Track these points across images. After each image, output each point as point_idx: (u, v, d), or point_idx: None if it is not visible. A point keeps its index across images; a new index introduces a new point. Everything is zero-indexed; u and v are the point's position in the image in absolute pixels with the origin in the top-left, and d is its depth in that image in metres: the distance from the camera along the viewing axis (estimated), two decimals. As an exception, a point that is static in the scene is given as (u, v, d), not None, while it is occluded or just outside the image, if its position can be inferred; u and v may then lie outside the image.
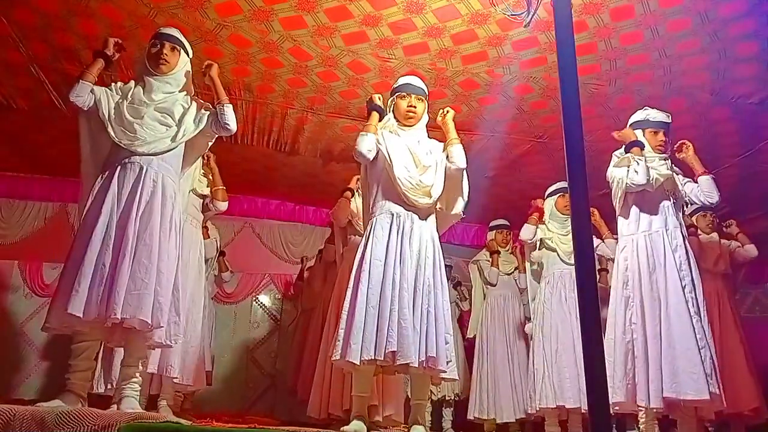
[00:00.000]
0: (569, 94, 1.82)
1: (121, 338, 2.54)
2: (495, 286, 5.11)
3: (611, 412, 3.12)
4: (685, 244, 3.15)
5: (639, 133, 3.31)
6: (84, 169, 2.73)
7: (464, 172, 2.96)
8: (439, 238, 2.91)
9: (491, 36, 3.62)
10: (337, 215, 3.96)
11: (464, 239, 7.01)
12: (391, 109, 3.03)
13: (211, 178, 3.96)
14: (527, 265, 4.68)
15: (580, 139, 1.78)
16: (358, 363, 2.51)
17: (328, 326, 3.63)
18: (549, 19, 3.36)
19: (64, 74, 4.01)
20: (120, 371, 2.60)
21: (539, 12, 3.13)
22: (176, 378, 3.43)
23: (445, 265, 2.92)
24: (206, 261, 4.24)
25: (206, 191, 3.93)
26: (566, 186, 1.81)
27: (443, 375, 2.65)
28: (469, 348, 5.48)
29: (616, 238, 3.49)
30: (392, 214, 2.80)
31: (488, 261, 5.17)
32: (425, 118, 3.04)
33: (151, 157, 2.61)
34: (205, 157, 3.85)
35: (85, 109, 2.65)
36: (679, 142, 3.38)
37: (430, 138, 3.04)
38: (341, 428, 2.58)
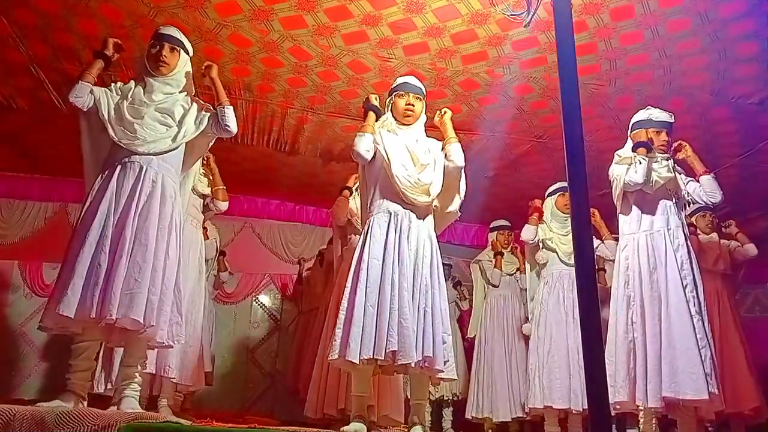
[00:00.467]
0: (569, 94, 1.82)
1: (120, 338, 2.54)
2: (497, 287, 5.11)
3: (612, 411, 3.14)
4: (687, 243, 3.15)
5: (642, 133, 3.31)
6: (86, 170, 2.73)
7: (462, 170, 2.96)
8: (438, 238, 2.91)
9: (491, 36, 3.63)
10: (336, 214, 3.96)
11: (464, 239, 7.01)
12: (389, 108, 3.03)
13: (211, 178, 3.96)
14: (527, 265, 4.69)
15: (580, 139, 1.78)
16: (358, 362, 2.51)
17: (327, 326, 3.63)
18: (549, 19, 3.36)
19: (64, 74, 4.01)
20: (119, 371, 2.60)
21: (539, 12, 3.13)
22: (174, 378, 3.43)
23: (445, 264, 2.91)
24: (206, 261, 4.24)
25: (206, 190, 3.94)
26: (566, 185, 1.81)
27: (441, 375, 2.65)
28: (469, 348, 5.48)
29: (616, 239, 3.49)
30: (390, 213, 2.80)
31: (491, 261, 5.16)
32: (423, 117, 3.05)
33: (151, 156, 2.61)
34: (205, 158, 3.85)
35: (85, 109, 2.65)
36: (677, 143, 3.38)
37: (429, 137, 3.04)
38: (341, 428, 2.58)
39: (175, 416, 2.64)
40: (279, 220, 6.70)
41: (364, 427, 2.62)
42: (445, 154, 2.94)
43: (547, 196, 4.52)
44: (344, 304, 2.66)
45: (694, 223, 4.57)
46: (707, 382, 2.81)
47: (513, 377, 4.78)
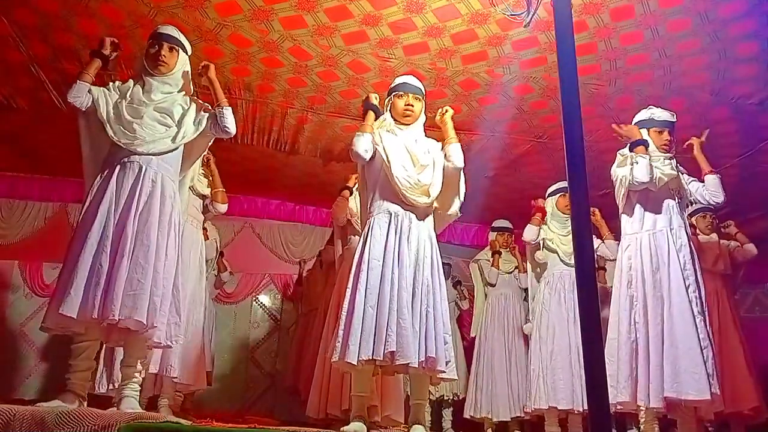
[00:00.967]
0: (569, 94, 1.82)
1: (120, 338, 2.54)
2: (494, 286, 5.11)
3: (613, 411, 3.14)
4: (689, 243, 3.14)
5: (644, 132, 3.30)
6: (85, 170, 2.73)
7: (462, 171, 2.96)
8: (438, 237, 2.91)
9: (491, 36, 3.62)
10: (335, 214, 3.96)
11: (464, 239, 7.01)
12: (389, 108, 3.02)
13: (210, 179, 3.96)
14: (528, 265, 4.68)
15: (580, 139, 1.78)
16: (356, 363, 2.51)
17: (328, 326, 3.63)
18: (549, 19, 3.36)
19: (64, 74, 4.00)
20: (120, 371, 2.60)
21: (539, 12, 3.12)
22: (176, 378, 3.43)
23: (445, 264, 2.91)
24: (206, 262, 4.24)
25: (206, 191, 3.93)
26: (567, 185, 1.81)
27: (442, 375, 2.65)
28: (469, 347, 5.48)
29: (616, 238, 3.49)
30: (390, 214, 2.79)
31: (488, 261, 5.17)
32: (423, 117, 3.03)
33: (151, 156, 2.61)
34: (205, 159, 3.85)
35: (83, 109, 2.64)
36: (687, 143, 3.37)
37: (428, 137, 3.03)
38: (341, 428, 2.58)
39: (175, 416, 2.64)
40: (279, 220, 6.70)
41: (365, 427, 2.62)
42: (445, 155, 2.94)
43: (548, 197, 4.52)
44: (345, 305, 2.67)
45: (694, 223, 4.56)
46: (709, 382, 2.80)
47: (513, 376, 4.78)
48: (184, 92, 2.82)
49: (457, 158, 2.91)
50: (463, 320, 6.01)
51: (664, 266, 3.06)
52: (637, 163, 3.14)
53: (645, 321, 3.03)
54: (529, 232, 4.42)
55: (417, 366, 2.55)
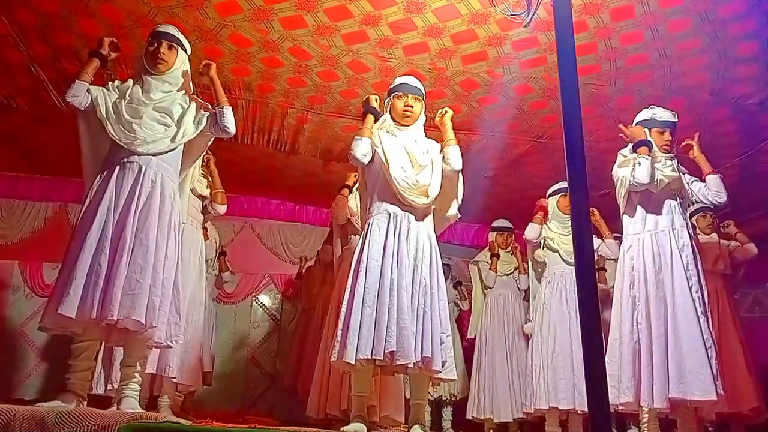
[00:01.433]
0: (569, 94, 1.82)
1: (119, 338, 2.53)
2: (491, 288, 5.11)
3: (614, 411, 3.13)
4: (691, 243, 3.14)
5: (645, 132, 3.30)
6: (85, 170, 2.73)
7: (460, 174, 2.96)
8: (437, 238, 2.91)
9: (491, 36, 3.62)
10: (335, 212, 3.96)
11: (464, 239, 7.01)
12: (388, 109, 3.02)
13: (210, 179, 3.96)
14: (529, 264, 4.68)
15: (580, 139, 1.79)
16: (354, 363, 2.51)
17: (327, 326, 3.63)
18: (549, 19, 3.36)
19: (65, 74, 4.00)
20: (120, 371, 2.60)
21: (539, 12, 3.12)
22: (175, 378, 3.43)
23: (445, 265, 2.91)
24: (206, 262, 4.24)
25: (205, 191, 3.93)
26: (567, 185, 1.82)
27: (439, 375, 2.65)
28: (468, 348, 5.48)
29: (617, 238, 3.49)
30: (389, 215, 2.79)
31: (487, 263, 5.17)
32: (422, 118, 3.03)
33: (150, 156, 2.61)
34: (205, 159, 3.85)
35: (82, 108, 2.64)
36: (684, 143, 3.37)
37: (428, 138, 3.03)
38: (341, 428, 2.58)
39: (175, 416, 2.64)
40: (279, 220, 6.69)
41: (364, 427, 2.62)
42: (443, 157, 2.94)
43: (549, 197, 4.52)
44: (344, 305, 2.67)
45: (695, 223, 4.56)
46: (715, 383, 2.80)
47: (514, 377, 4.78)
48: (183, 91, 2.82)
49: (455, 161, 2.91)
50: (462, 320, 6.00)
51: (667, 267, 3.06)
52: (639, 164, 3.14)
53: (648, 322, 3.02)
54: (531, 231, 4.43)
55: (413, 366, 2.55)
